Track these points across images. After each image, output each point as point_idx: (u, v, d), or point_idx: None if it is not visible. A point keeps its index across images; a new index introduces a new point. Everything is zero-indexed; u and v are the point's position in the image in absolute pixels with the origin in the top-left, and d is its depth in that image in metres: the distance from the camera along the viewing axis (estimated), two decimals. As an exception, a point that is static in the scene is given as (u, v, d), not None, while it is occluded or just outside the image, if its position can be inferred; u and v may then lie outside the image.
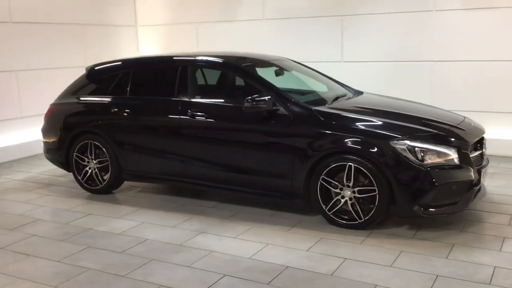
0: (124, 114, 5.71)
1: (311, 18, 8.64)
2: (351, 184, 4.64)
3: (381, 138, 4.55)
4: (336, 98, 5.46)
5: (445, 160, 4.48)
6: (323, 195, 4.80)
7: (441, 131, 4.69)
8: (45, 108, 6.42)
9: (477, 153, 4.83)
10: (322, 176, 4.75)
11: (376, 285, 3.66)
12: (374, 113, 5.03)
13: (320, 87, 5.89)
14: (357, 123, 4.74)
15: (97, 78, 6.20)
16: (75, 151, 6.03)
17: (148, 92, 5.86)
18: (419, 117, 5.02)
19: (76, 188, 6.26)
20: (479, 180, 4.69)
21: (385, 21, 8.11)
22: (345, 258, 4.12)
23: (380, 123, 4.76)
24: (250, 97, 4.92)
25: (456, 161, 4.50)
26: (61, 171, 6.90)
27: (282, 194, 5.03)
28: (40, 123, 6.49)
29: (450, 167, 4.48)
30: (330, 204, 4.76)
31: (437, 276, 3.78)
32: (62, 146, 6.13)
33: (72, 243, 4.59)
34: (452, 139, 4.61)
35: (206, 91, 5.95)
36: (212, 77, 6.02)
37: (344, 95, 5.62)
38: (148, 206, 5.56)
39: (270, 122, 4.96)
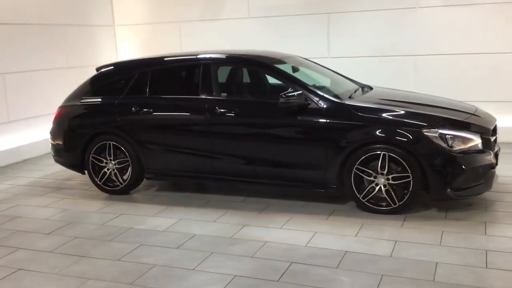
0: (147, 113, 5.72)
1: (297, 15, 8.89)
2: (385, 172, 4.91)
3: (414, 127, 4.85)
4: (354, 92, 5.71)
5: (471, 146, 4.84)
6: (356, 183, 5.04)
7: (466, 119, 5.06)
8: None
9: (493, 138, 5.24)
10: (356, 166, 4.99)
11: (437, 262, 3.94)
12: (400, 105, 5.33)
13: (332, 82, 6.12)
14: (387, 114, 5.03)
15: (110, 78, 6.17)
16: (92, 152, 5.96)
17: (169, 91, 5.91)
18: (440, 106, 5.38)
19: (90, 190, 6.21)
20: (496, 163, 5.10)
21: (370, 18, 8.48)
22: (395, 240, 4.39)
23: (409, 113, 5.08)
24: (284, 93, 5.09)
25: (480, 146, 4.88)
26: (64, 174, 6.85)
27: (315, 185, 5.25)
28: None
29: (475, 151, 4.85)
30: (365, 192, 5.00)
31: (486, 250, 4.11)
32: (77, 148, 6.06)
33: (121, 242, 4.60)
34: (477, 126, 4.98)
35: (231, 88, 6.05)
36: (235, 75, 6.11)
37: (359, 89, 5.88)
38: (176, 203, 5.61)
39: (303, 117, 5.15)
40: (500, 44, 7.88)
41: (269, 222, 4.95)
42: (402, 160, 4.84)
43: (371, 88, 5.99)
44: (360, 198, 5.06)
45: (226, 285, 3.73)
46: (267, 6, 9.07)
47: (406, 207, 4.95)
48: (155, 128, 5.75)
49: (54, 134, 6.28)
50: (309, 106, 5.15)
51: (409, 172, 4.83)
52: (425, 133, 4.81)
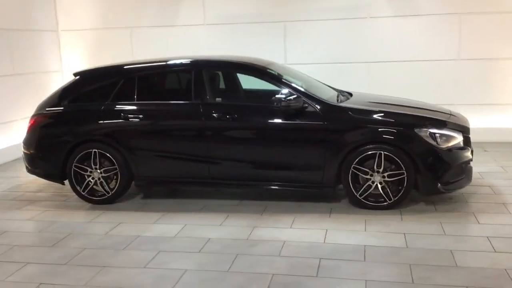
0: (137, 119, 5.63)
1: (253, 23, 9.09)
2: (381, 170, 5.22)
3: (407, 127, 5.22)
4: (338, 96, 5.99)
5: (455, 143, 5.30)
6: (352, 182, 5.32)
7: (448, 119, 5.51)
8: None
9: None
10: (353, 165, 5.27)
11: (451, 250, 4.29)
12: (388, 107, 5.67)
13: (314, 87, 6.34)
14: (381, 116, 5.37)
15: (93, 83, 5.98)
16: (75, 161, 5.75)
17: (159, 97, 5.87)
18: (422, 108, 5.80)
19: (70, 201, 6.01)
20: (471, 159, 5.61)
21: (325, 27, 8.89)
22: (403, 233, 4.70)
23: (400, 114, 5.45)
24: (284, 96, 5.26)
25: (461, 143, 5.35)
26: (30, 186, 6.66)
27: (313, 185, 5.46)
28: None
29: (458, 148, 5.31)
30: (361, 190, 5.29)
31: (488, 237, 4.53)
32: (57, 157, 5.81)
33: (137, 250, 4.52)
34: (458, 125, 5.45)
35: (225, 93, 6.10)
36: (227, 80, 6.16)
37: (340, 94, 6.16)
38: (171, 210, 5.57)
39: (301, 119, 5.34)
40: (443, 52, 8.59)
41: (276, 222, 5.07)
42: (397, 158, 5.17)
43: (350, 93, 6.29)
44: (357, 195, 5.32)
45: (269, 283, 3.81)
46: (223, 13, 9.18)
47: (400, 202, 5.29)
48: (146, 134, 5.67)
49: (29, 143, 5.96)
50: (307, 109, 5.34)
51: (404, 169, 5.18)
52: (417, 133, 5.18)
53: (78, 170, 5.79)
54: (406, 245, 4.44)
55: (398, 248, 4.37)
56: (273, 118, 5.45)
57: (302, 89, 5.48)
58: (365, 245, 4.45)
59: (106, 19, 9.62)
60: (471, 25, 8.46)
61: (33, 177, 6.87)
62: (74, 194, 6.09)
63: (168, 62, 6.00)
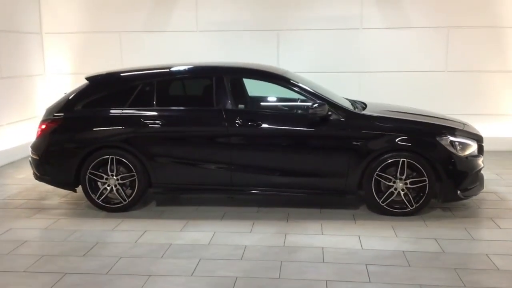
0: (158, 126, 5.53)
1: (247, 31, 9.11)
2: (403, 177, 5.35)
3: (429, 135, 5.38)
4: (354, 105, 6.09)
5: (471, 151, 5.50)
6: (375, 189, 5.43)
7: (464, 128, 5.72)
8: None
9: None
10: (376, 172, 5.37)
11: (487, 254, 4.46)
12: (408, 116, 5.82)
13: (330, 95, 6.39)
14: (404, 124, 5.51)
15: (107, 89, 5.82)
16: (90, 168, 5.58)
17: (180, 103, 5.78)
18: (440, 118, 5.97)
19: (81, 209, 5.83)
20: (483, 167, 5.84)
21: (318, 36, 9.02)
22: (435, 238, 4.83)
23: (421, 122, 5.60)
24: (311, 104, 5.32)
25: (476, 152, 5.56)
26: (30, 194, 6.42)
27: (335, 192, 5.52)
28: None
29: (474, 156, 5.52)
30: (384, 196, 5.40)
31: (514, 240, 4.74)
32: (71, 164, 5.61)
33: (177, 258, 4.43)
34: (473, 134, 5.66)
35: (246, 100, 6.08)
36: (248, 86, 6.15)
37: (356, 103, 6.26)
38: (193, 217, 5.49)
39: (325, 127, 5.41)
40: (431, 63, 8.90)
41: (304, 229, 5.10)
42: (419, 166, 5.31)
43: (363, 103, 6.39)
44: (380, 202, 5.42)
45: (326, 289, 3.83)
46: (216, 20, 9.15)
47: (422, 209, 5.43)
48: (166, 141, 5.58)
49: (39, 149, 5.73)
50: (331, 117, 5.41)
51: (425, 176, 5.32)
52: (439, 141, 5.34)
53: (93, 177, 5.60)
54: (442, 250, 4.56)
55: (436, 253, 4.49)
56: (297, 126, 5.49)
57: (326, 97, 5.53)
58: (403, 251, 4.54)
59: (94, 22, 9.38)
60: (458, 38, 8.81)
61: (30, 183, 6.69)
62: (83, 201, 5.94)
63: (187, 68, 5.93)
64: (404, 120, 5.61)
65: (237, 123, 5.45)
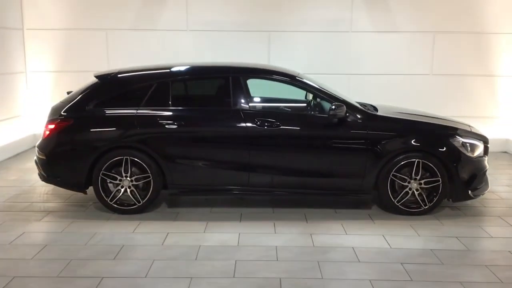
0: (175, 126, 5.44)
1: (238, 32, 9.09)
2: (418, 177, 5.49)
3: (443, 137, 5.54)
4: (365, 107, 6.18)
5: (479, 152, 5.70)
6: (390, 189, 5.54)
7: (471, 129, 5.92)
8: None
9: None
10: (392, 173, 5.49)
11: (510, 251, 4.64)
12: (420, 118, 5.96)
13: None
14: (418, 126, 5.65)
15: (120, 88, 5.68)
16: (103, 169, 5.43)
17: (195, 102, 5.72)
18: (448, 120, 6.15)
19: (89, 210, 5.68)
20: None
21: (309, 38, 9.12)
22: (456, 237, 4.98)
23: (435, 124, 5.75)
24: (332, 105, 5.38)
25: (483, 152, 5.78)
26: (28, 196, 6.19)
27: (352, 192, 5.60)
28: None
29: (481, 157, 5.73)
30: (400, 196, 5.52)
31: (530, 238, 4.96)
32: (83, 164, 5.44)
33: (213, 260, 4.39)
34: (480, 135, 5.87)
35: (263, 100, 6.06)
36: (263, 87, 6.12)
37: (365, 105, 6.34)
38: (211, 219, 5.43)
39: (343, 128, 5.48)
40: (417, 67, 9.17)
41: (327, 229, 5.14)
42: (434, 166, 5.46)
43: (372, 105, 6.45)
44: (395, 202, 5.54)
45: (373, 288, 3.89)
46: (207, 20, 9.08)
47: (434, 208, 5.58)
48: (184, 141, 5.50)
49: (49, 150, 5.52)
50: (348, 118, 5.49)
51: (439, 176, 5.48)
52: (451, 142, 5.51)
53: (107, 179, 5.46)
54: (467, 248, 4.71)
55: (462, 251, 4.63)
56: (316, 126, 5.54)
57: (343, 99, 5.60)
58: (431, 249, 4.66)
59: (79, 19, 9.11)
60: (444, 43, 9.11)
61: (27, 185, 6.58)
62: (89, 203, 5.79)
63: (203, 67, 5.88)
64: (418, 121, 5.75)
65: (256, 123, 5.43)
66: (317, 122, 5.55)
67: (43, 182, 5.77)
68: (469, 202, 5.94)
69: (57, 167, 5.54)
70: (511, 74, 9.24)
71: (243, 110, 5.51)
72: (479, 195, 5.77)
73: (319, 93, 5.64)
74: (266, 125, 5.44)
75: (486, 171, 5.74)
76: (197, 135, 5.52)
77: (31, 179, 6.90)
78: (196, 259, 4.40)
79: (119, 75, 5.79)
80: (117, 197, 5.49)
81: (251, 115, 5.49)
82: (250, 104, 5.58)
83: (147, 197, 5.51)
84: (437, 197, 5.54)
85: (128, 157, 5.44)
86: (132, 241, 4.81)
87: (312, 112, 5.59)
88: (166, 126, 5.43)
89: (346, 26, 9.10)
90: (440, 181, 5.48)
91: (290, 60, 9.10)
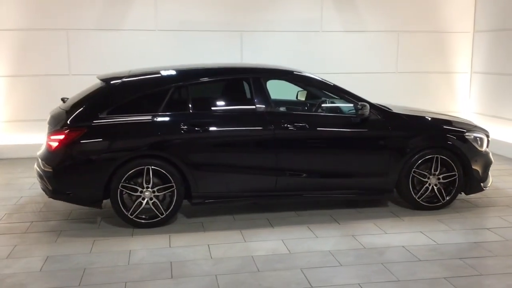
0: (199, 131, 5.15)
1: (210, 31, 8.82)
2: (437, 173, 5.64)
3: (459, 132, 5.72)
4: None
5: (486, 145, 5.97)
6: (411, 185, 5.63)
7: (477, 124, 6.16)
8: None
9: None
10: (413, 169, 5.59)
11: (544, 239, 4.89)
12: (432, 114, 6.10)
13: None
14: (435, 123, 5.79)
15: (135, 92, 5.27)
16: (123, 181, 5.02)
17: (216, 106, 5.47)
18: (453, 116, 6.34)
19: (103, 226, 5.24)
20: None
21: (282, 38, 9.06)
22: (487, 228, 5.18)
23: (449, 121, 5.91)
24: (358, 105, 5.36)
25: (487, 146, 6.05)
26: (20, 214, 5.59)
27: (375, 191, 5.62)
28: None
29: (487, 150, 5.99)
30: (420, 192, 5.63)
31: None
32: (100, 177, 5.00)
33: (277, 270, 4.19)
34: (484, 130, 6.14)
35: (284, 102, 5.88)
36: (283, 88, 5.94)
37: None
38: (240, 227, 5.19)
39: (368, 127, 5.49)
40: (384, 65, 9.45)
41: (365, 230, 5.12)
42: (451, 161, 5.63)
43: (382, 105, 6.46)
44: (416, 198, 5.64)
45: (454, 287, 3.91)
46: (177, 19, 8.72)
47: (451, 202, 5.75)
48: (209, 147, 5.22)
49: (58, 162, 4.99)
50: (370, 118, 5.50)
51: (456, 171, 5.65)
52: (466, 137, 5.71)
53: (126, 191, 5.05)
54: (505, 238, 4.89)
55: (503, 242, 4.80)
56: (341, 127, 5.50)
57: (365, 99, 5.60)
58: (475, 242, 4.79)
59: (36, 19, 8.36)
60: (407, 42, 9.45)
61: (10, 204, 5.90)
62: (99, 218, 5.35)
63: (222, 68, 5.62)
64: (435, 118, 5.89)
65: (283, 125, 5.27)
66: (342, 122, 5.50)
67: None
68: (478, 194, 6.14)
69: (69, 181, 5.03)
70: (467, 70, 9.76)
71: (268, 112, 5.33)
72: (487, 187, 6.01)
73: (342, 93, 5.59)
74: (293, 127, 5.30)
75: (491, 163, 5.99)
76: (223, 140, 5.26)
77: (11, 196, 6.25)
78: (258, 270, 4.17)
79: (132, 79, 5.37)
80: (138, 211, 5.08)
81: (276, 117, 5.34)
82: (274, 106, 5.41)
83: (171, 209, 5.16)
84: (454, 191, 5.69)
85: (150, 167, 5.04)
86: (176, 256, 4.47)
87: (338, 112, 5.56)
88: (190, 131, 5.12)
89: (316, 26, 9.16)
90: (457, 175, 5.64)
91: (262, 60, 8.98)
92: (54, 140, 5.02)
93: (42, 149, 5.29)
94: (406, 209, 5.71)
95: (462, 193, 5.78)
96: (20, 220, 5.41)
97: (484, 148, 5.82)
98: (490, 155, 5.95)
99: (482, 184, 5.80)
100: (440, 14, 9.50)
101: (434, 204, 5.68)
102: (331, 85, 5.63)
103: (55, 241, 4.84)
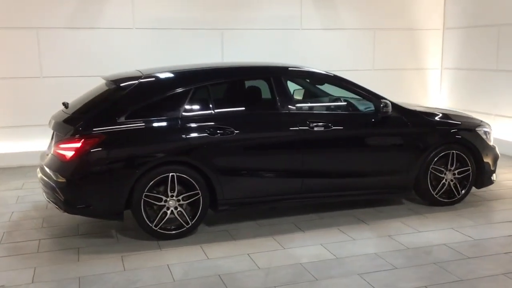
0: (225, 134, 4.88)
1: (190, 29, 8.49)
2: (453, 168, 5.68)
3: (472, 127, 5.79)
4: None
5: (492, 139, 6.08)
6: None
7: (481, 119, 6.27)
8: None
9: None
10: (432, 166, 5.60)
11: None
12: (441, 111, 6.12)
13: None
14: (449, 119, 5.82)
15: (153, 95, 4.89)
16: (146, 190, 4.67)
17: (239, 107, 5.20)
18: (457, 111, 6.41)
19: (122, 241, 4.84)
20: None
21: (262, 36, 8.88)
22: (507, 221, 5.24)
23: (461, 116, 5.97)
24: (381, 103, 5.30)
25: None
26: (25, 232, 5.08)
27: (396, 189, 5.58)
28: None
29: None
30: (438, 188, 5.65)
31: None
32: (123, 187, 4.61)
33: (331, 278, 4.01)
34: (488, 124, 6.26)
35: (305, 101, 5.68)
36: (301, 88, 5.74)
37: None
38: (271, 233, 4.97)
39: (390, 125, 5.44)
40: (361, 63, 9.50)
41: (397, 229, 5.04)
42: (465, 156, 5.69)
43: None
44: (434, 194, 5.65)
45: (516, 282, 3.91)
46: (156, 17, 8.32)
47: (466, 196, 5.81)
48: (236, 150, 4.95)
49: (75, 174, 4.54)
50: (391, 115, 5.45)
51: (469, 165, 5.72)
52: (478, 132, 5.79)
53: (149, 201, 4.69)
54: (531, 231, 4.98)
55: (532, 234, 4.88)
56: (366, 125, 5.41)
57: (383, 97, 5.54)
58: (508, 235, 4.83)
59: (2, 16, 7.69)
60: (383, 39, 9.55)
61: (3, 221, 5.29)
62: (111, 231, 4.96)
63: (241, 68, 5.38)
64: (448, 115, 5.91)
65: (308, 126, 5.10)
66: (365, 120, 5.40)
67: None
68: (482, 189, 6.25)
69: (87, 193, 4.59)
70: (438, 66, 10.01)
71: (291, 112, 5.14)
72: (495, 180, 6.12)
73: (362, 91, 5.50)
74: (318, 127, 5.14)
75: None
76: (250, 142, 5.01)
77: None
78: (316, 279, 3.98)
79: (150, 80, 5.00)
80: (163, 221, 4.73)
81: (300, 117, 5.16)
82: (297, 106, 5.22)
83: (196, 217, 4.84)
84: (467, 185, 5.75)
85: (175, 174, 4.70)
86: (221, 269, 4.19)
87: (360, 111, 5.47)
88: (216, 135, 4.84)
89: (297, 24, 9.05)
90: (470, 170, 5.70)
91: (243, 58, 8.77)
92: (69, 149, 4.56)
93: (49, 158, 4.80)
94: (420, 205, 5.71)
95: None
96: (24, 239, 4.89)
97: (491, 141, 5.91)
98: (497, 148, 6.05)
99: (492, 177, 5.88)
100: (412, 12, 9.68)
101: (451, 199, 5.69)
102: (352, 83, 5.52)
103: (77, 260, 4.39)
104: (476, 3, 9.02)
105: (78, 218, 5.25)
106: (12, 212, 5.65)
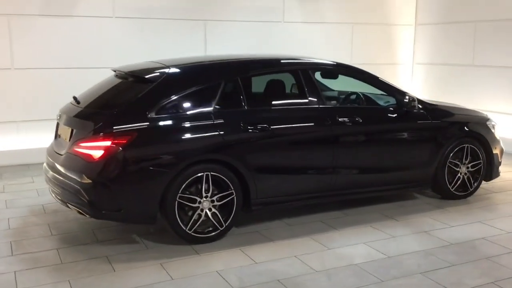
0: (261, 130, 4.62)
1: (172, 20, 8.09)
2: (466, 162, 5.74)
3: (483, 121, 5.87)
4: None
5: (497, 132, 6.20)
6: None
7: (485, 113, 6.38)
8: None
9: None
10: (449, 160, 5.63)
11: None
12: (450, 104, 6.15)
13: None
14: (464, 113, 5.88)
15: (181, 89, 4.51)
16: (180, 191, 4.34)
17: (270, 101, 4.95)
18: (460, 105, 6.48)
19: (151, 247, 4.45)
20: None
21: (245, 28, 8.63)
22: (530, 214, 5.37)
23: (474, 110, 6.04)
24: (405, 98, 5.25)
25: (496, 132, 6.31)
26: (32, 240, 4.60)
27: (417, 183, 5.55)
28: None
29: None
30: (453, 182, 5.69)
31: None
32: (157, 189, 4.25)
33: (395, 279, 3.87)
34: (491, 119, 6.38)
35: (333, 96, 5.47)
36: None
37: None
38: (306, 232, 4.77)
39: (414, 119, 5.40)
40: (340, 56, 9.14)
41: (430, 225, 4.98)
42: (478, 150, 5.76)
43: None
44: (450, 188, 5.68)
45: None
46: (137, 6, 7.83)
47: (476, 190, 5.89)
48: (271, 147, 4.70)
49: (107, 176, 4.11)
50: (414, 110, 5.41)
51: (481, 159, 5.80)
52: (488, 125, 5.89)
53: (183, 203, 4.35)
54: (558, 224, 5.10)
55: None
56: (392, 120, 5.34)
57: (406, 92, 5.48)
58: (538, 229, 4.92)
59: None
60: (360, 34, 9.58)
61: (14, 225, 4.95)
62: (133, 235, 4.61)
63: (270, 61, 5.12)
64: (461, 108, 5.95)
65: (339, 121, 4.95)
66: (392, 115, 5.32)
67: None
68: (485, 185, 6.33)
69: (119, 195, 4.17)
70: (409, 61, 10.19)
71: (322, 107, 4.96)
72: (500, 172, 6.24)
73: (387, 86, 5.42)
74: (348, 122, 5.00)
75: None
76: (286, 139, 4.77)
77: (-7, 218, 5.09)
78: (381, 280, 3.83)
79: (176, 72, 4.63)
80: (198, 224, 4.41)
81: (330, 112, 5.01)
82: (326, 101, 5.05)
83: (231, 218, 4.55)
84: (479, 179, 5.82)
85: (209, 173, 4.39)
86: (276, 273, 3.94)
87: (387, 105, 5.38)
88: (251, 131, 4.56)
89: (279, 16, 8.87)
90: (482, 163, 5.78)
91: (227, 50, 8.49)
92: (96, 148, 4.12)
93: (67, 157, 4.32)
94: (433, 199, 5.74)
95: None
96: (39, 249, 4.39)
97: (497, 135, 6.03)
98: (501, 142, 6.17)
99: (499, 170, 6.00)
100: (387, 7, 9.77)
101: (465, 192, 5.74)
102: (377, 77, 5.43)
103: (113, 270, 3.98)
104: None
105: (88, 223, 4.83)
106: (8, 219, 5.08)
